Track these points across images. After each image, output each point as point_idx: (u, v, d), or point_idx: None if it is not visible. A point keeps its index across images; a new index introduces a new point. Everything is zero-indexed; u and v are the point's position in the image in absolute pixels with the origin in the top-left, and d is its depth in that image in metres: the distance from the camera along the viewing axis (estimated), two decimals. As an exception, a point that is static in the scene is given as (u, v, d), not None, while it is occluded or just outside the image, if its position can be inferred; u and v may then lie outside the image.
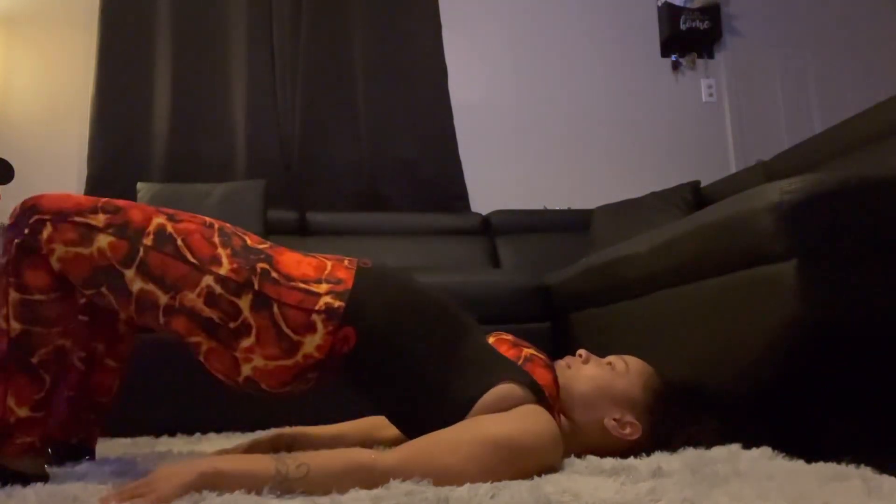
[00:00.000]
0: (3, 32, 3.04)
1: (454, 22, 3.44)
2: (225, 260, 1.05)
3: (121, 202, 1.08)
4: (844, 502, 0.79)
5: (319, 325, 1.04)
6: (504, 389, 1.03)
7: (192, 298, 1.03)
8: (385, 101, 3.28)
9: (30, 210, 1.04)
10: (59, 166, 3.01)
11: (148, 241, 1.04)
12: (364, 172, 3.21)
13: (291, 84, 3.22)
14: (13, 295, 1.03)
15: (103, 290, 1.04)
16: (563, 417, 1.20)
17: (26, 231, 1.02)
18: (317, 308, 1.05)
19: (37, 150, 3.00)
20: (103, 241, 1.03)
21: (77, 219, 1.03)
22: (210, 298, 1.03)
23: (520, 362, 1.18)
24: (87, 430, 1.28)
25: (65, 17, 3.13)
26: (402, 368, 1.06)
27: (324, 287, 1.07)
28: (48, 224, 1.02)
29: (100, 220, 1.04)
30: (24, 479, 1.01)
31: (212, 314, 1.03)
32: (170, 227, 1.06)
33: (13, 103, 3.03)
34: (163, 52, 3.09)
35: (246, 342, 1.04)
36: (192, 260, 1.04)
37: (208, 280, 1.03)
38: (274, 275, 1.06)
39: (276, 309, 1.03)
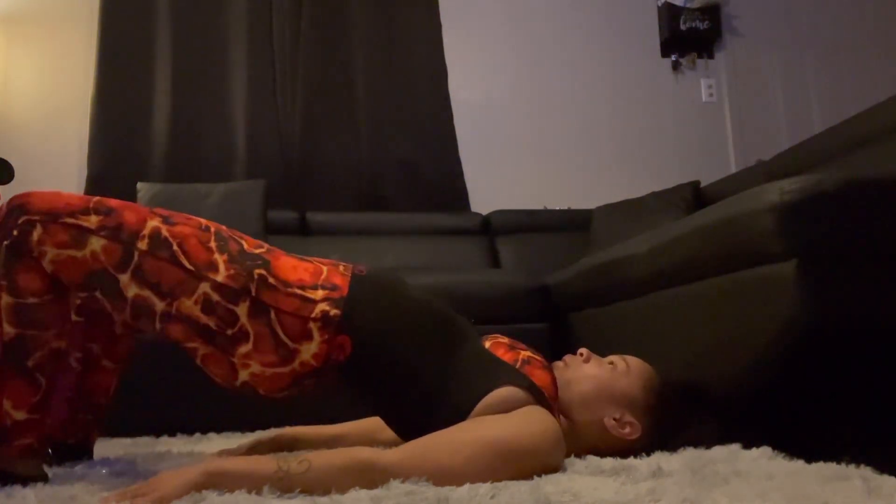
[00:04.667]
0: (3, 32, 3.04)
1: (454, 22, 3.43)
2: (221, 266, 1.04)
3: (113, 202, 1.06)
4: (844, 502, 0.79)
5: (316, 333, 1.04)
6: (504, 392, 1.02)
7: (190, 306, 1.01)
8: (385, 101, 3.27)
9: (18, 209, 1.01)
10: (59, 166, 3.01)
11: (143, 245, 1.02)
12: (364, 172, 3.21)
13: (291, 84, 3.22)
14: (5, 298, 1.00)
15: (97, 294, 1.03)
16: (562, 417, 1.20)
17: (15, 232, 0.99)
18: (313, 316, 1.04)
19: (37, 150, 3.00)
20: (96, 244, 1.01)
21: (68, 220, 1.01)
22: (207, 306, 1.02)
23: (517, 365, 1.18)
24: (85, 431, 1.28)
25: (65, 16, 3.13)
26: (399, 376, 1.06)
27: (320, 293, 1.06)
28: (38, 225, 1.00)
29: (92, 221, 1.02)
30: (24, 480, 1.01)
31: (209, 321, 1.02)
32: (165, 231, 1.04)
33: (13, 103, 3.03)
34: (163, 52, 3.09)
35: (243, 348, 1.03)
36: (189, 266, 1.02)
37: (205, 287, 1.02)
38: (271, 280, 1.05)
39: (273, 315, 1.03)
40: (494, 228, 3.19)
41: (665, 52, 3.67)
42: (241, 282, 1.03)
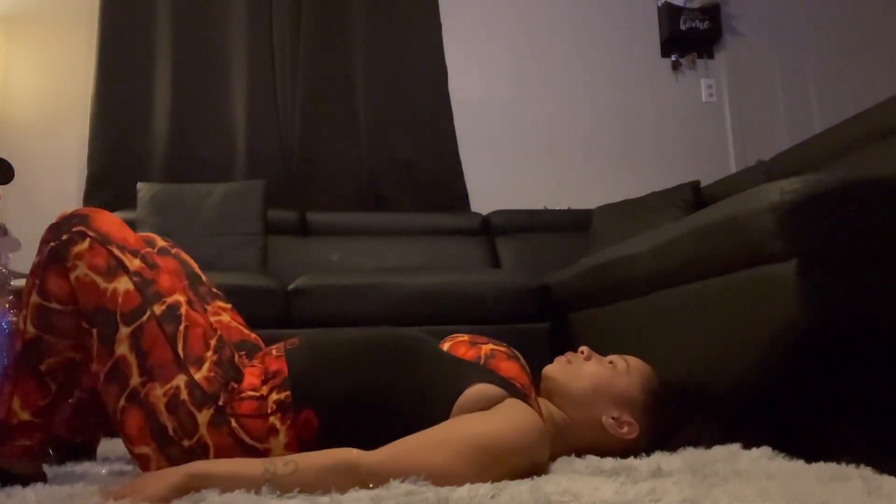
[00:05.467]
0: (3, 32, 3.04)
1: (454, 22, 3.43)
2: (206, 365, 1.02)
3: (162, 262, 1.07)
4: (844, 502, 0.79)
5: (278, 424, 1.01)
6: (475, 391, 1.01)
7: (158, 395, 0.98)
8: (385, 101, 3.27)
9: (78, 219, 1.03)
10: (59, 166, 3.01)
11: (158, 309, 1.01)
12: (364, 172, 3.21)
13: (291, 84, 3.22)
14: (34, 298, 1.02)
15: (94, 331, 1.01)
16: (558, 412, 1.20)
17: (64, 237, 1.01)
18: (269, 411, 1.02)
19: (37, 150, 3.00)
20: (123, 284, 1.01)
21: (115, 250, 1.02)
22: (172, 403, 0.98)
23: (481, 361, 1.17)
24: (92, 433, 1.29)
25: (65, 16, 3.13)
26: (375, 417, 1.03)
27: (266, 388, 1.04)
28: (87, 240, 1.01)
29: (134, 264, 1.02)
30: (23, 480, 1.01)
31: (167, 423, 0.98)
32: (183, 309, 1.04)
33: (13, 103, 3.03)
34: (163, 51, 3.09)
35: None
36: (180, 352, 1.01)
37: (181, 381, 0.99)
38: (237, 392, 1.03)
39: (234, 423, 1.00)
40: (494, 228, 3.19)
41: (665, 52, 3.67)
42: (215, 388, 1.01)
